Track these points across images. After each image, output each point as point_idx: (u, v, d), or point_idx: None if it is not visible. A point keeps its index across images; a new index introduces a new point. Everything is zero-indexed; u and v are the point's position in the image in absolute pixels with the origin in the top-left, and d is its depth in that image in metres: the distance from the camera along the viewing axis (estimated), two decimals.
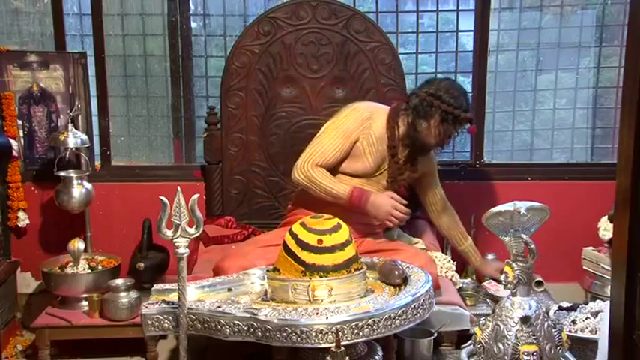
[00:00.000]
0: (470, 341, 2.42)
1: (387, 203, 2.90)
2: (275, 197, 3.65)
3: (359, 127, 2.97)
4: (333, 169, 2.98)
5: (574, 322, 2.81)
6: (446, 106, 2.90)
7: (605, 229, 3.35)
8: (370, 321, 2.17)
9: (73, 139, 3.40)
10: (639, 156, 1.55)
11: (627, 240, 1.58)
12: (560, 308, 2.99)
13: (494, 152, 3.99)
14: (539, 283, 3.49)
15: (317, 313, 2.18)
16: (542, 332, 2.20)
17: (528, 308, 2.21)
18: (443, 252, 3.44)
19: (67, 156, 3.56)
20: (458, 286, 3.21)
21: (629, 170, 1.56)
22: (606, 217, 3.37)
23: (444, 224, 3.32)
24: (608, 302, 2.48)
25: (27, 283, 3.76)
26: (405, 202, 2.94)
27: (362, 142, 2.97)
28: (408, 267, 2.57)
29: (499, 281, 3.23)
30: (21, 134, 3.64)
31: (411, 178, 3.10)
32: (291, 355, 2.43)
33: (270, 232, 3.14)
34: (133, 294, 3.10)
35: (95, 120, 3.74)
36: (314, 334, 2.13)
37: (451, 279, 3.17)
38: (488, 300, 3.34)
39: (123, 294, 3.07)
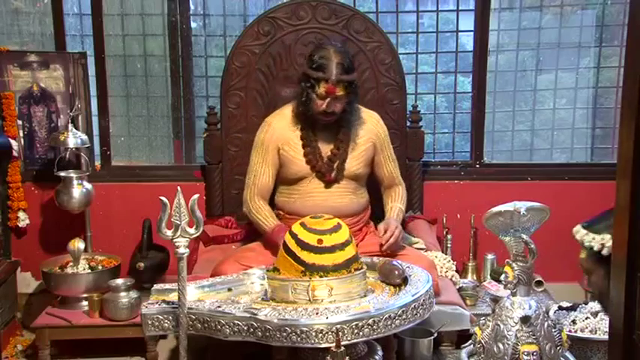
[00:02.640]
0: (470, 341, 2.42)
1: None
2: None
3: (271, 136, 3.02)
4: (283, 184, 3.05)
5: (574, 322, 2.81)
6: (304, 69, 2.97)
7: None
8: (370, 321, 2.18)
9: (73, 139, 3.40)
10: (639, 157, 1.55)
11: (627, 240, 1.58)
12: (560, 308, 2.98)
13: (494, 152, 3.98)
14: (539, 283, 3.50)
15: (317, 313, 2.19)
16: (542, 332, 2.21)
17: (528, 308, 2.21)
18: (443, 252, 3.45)
19: (67, 156, 3.56)
20: (458, 286, 3.22)
21: (629, 171, 1.56)
22: None
23: (385, 198, 3.21)
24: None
25: (27, 283, 3.76)
26: None
27: (283, 148, 3.01)
28: (408, 267, 2.57)
29: (499, 281, 3.23)
30: (21, 134, 3.64)
31: (342, 154, 3.01)
32: (291, 355, 2.43)
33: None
34: (133, 294, 3.09)
35: (95, 120, 3.74)
36: (314, 334, 2.14)
37: (451, 279, 3.17)
38: (488, 300, 3.35)
39: (123, 294, 3.07)
